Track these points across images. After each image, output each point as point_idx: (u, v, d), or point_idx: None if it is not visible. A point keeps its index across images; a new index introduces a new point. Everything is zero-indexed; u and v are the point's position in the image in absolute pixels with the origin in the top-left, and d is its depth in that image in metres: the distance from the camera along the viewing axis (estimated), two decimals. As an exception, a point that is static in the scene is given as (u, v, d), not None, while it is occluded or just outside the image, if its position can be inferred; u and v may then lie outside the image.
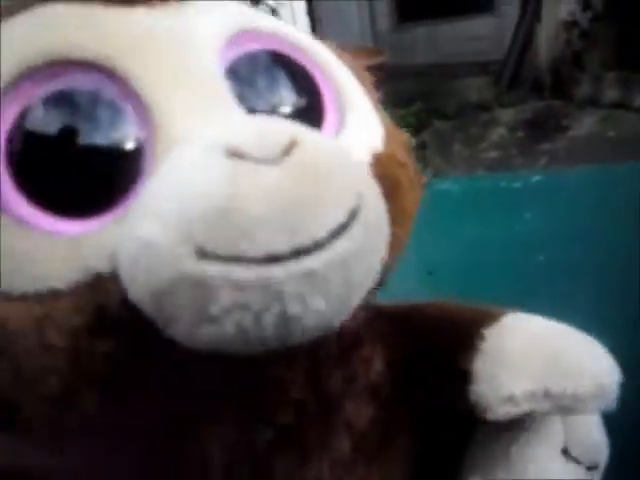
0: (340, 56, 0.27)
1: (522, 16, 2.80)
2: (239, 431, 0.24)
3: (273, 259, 0.17)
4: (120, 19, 0.22)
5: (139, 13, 0.22)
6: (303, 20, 2.26)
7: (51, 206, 0.20)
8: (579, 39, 2.63)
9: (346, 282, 0.19)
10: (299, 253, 0.17)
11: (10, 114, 0.20)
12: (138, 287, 0.19)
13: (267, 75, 0.24)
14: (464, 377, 0.27)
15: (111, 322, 0.20)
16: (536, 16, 2.74)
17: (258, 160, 0.18)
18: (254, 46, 0.23)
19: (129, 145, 0.21)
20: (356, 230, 0.18)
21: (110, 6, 0.22)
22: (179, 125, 0.20)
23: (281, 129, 0.20)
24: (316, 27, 2.65)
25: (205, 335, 0.18)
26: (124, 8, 0.22)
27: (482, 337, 0.27)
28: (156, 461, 0.25)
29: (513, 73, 2.81)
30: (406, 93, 2.70)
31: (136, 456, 0.25)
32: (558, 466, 0.27)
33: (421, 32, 3.22)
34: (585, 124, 2.40)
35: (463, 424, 0.30)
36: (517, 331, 0.28)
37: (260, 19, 0.25)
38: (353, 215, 0.18)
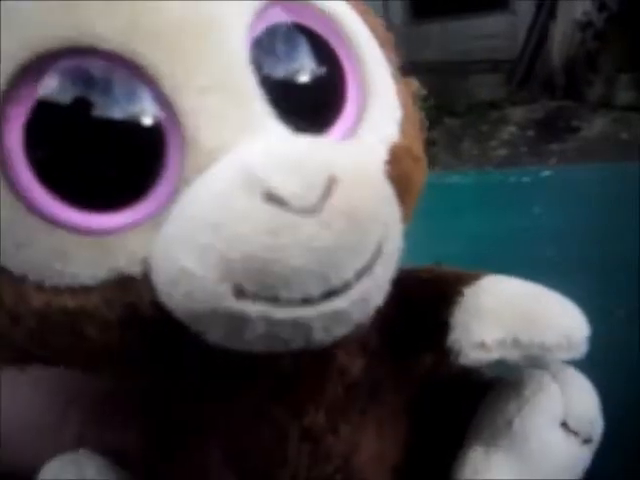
0: (365, 18, 0.26)
1: (537, 15, 2.79)
2: (238, 383, 0.26)
3: (307, 301, 0.19)
4: (140, 5, 0.21)
5: None
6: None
7: (76, 199, 0.20)
8: (593, 40, 2.62)
9: (366, 311, 0.21)
10: (329, 295, 0.19)
11: (25, 103, 0.20)
12: (174, 304, 0.20)
13: (288, 46, 0.23)
14: (444, 329, 0.28)
15: (142, 319, 0.21)
16: (551, 15, 2.72)
17: (298, 210, 0.19)
18: (282, 17, 0.23)
19: (147, 124, 0.20)
20: (378, 268, 0.20)
21: None
22: (209, 134, 0.21)
23: (319, 166, 0.20)
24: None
25: (236, 347, 0.20)
26: None
27: (461, 293, 0.29)
28: (164, 422, 0.27)
29: (526, 72, 2.80)
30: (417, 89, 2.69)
31: (145, 418, 0.27)
32: (557, 437, 0.29)
33: (434, 28, 3.21)
34: (596, 125, 2.40)
35: (466, 395, 0.31)
36: (493, 289, 0.30)
37: None
38: (378, 253, 0.20)
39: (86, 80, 0.20)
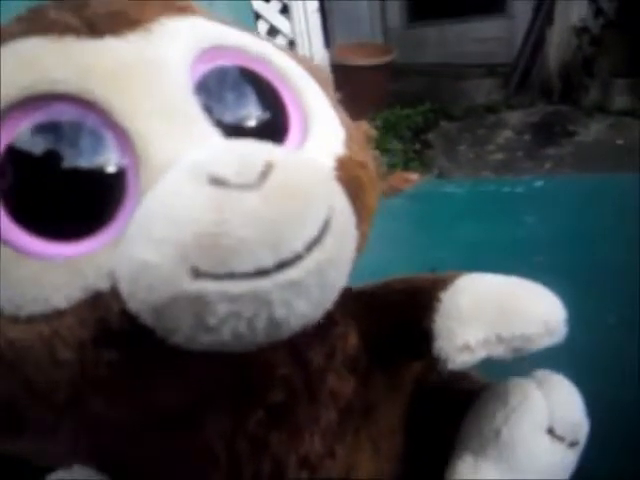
0: (299, 60, 0.29)
1: (533, 20, 2.80)
2: (234, 414, 0.26)
3: (261, 273, 0.20)
4: (93, 51, 0.24)
5: (110, 43, 0.24)
6: (315, 17, 2.26)
7: (46, 231, 0.22)
8: (590, 45, 2.63)
9: (323, 285, 0.22)
10: (282, 265, 0.20)
11: None
12: (138, 302, 0.21)
13: (234, 89, 0.26)
14: (427, 338, 0.29)
15: (113, 333, 0.22)
16: (548, 20, 2.74)
17: (239, 186, 0.20)
18: (220, 61, 0.26)
19: (111, 170, 0.23)
20: (328, 240, 0.21)
21: (82, 38, 0.24)
22: (160, 152, 0.23)
23: (257, 154, 0.22)
24: (327, 24, 2.66)
25: (204, 342, 0.21)
26: (95, 39, 0.24)
27: (438, 299, 0.30)
28: (162, 450, 0.27)
29: (522, 76, 2.81)
30: (414, 92, 2.71)
31: (142, 446, 0.27)
32: (544, 444, 0.29)
33: (431, 32, 3.22)
34: (592, 130, 2.41)
35: (455, 402, 0.32)
36: (469, 288, 0.31)
37: (225, 33, 0.27)
38: (325, 227, 0.21)
39: (54, 132, 0.22)
